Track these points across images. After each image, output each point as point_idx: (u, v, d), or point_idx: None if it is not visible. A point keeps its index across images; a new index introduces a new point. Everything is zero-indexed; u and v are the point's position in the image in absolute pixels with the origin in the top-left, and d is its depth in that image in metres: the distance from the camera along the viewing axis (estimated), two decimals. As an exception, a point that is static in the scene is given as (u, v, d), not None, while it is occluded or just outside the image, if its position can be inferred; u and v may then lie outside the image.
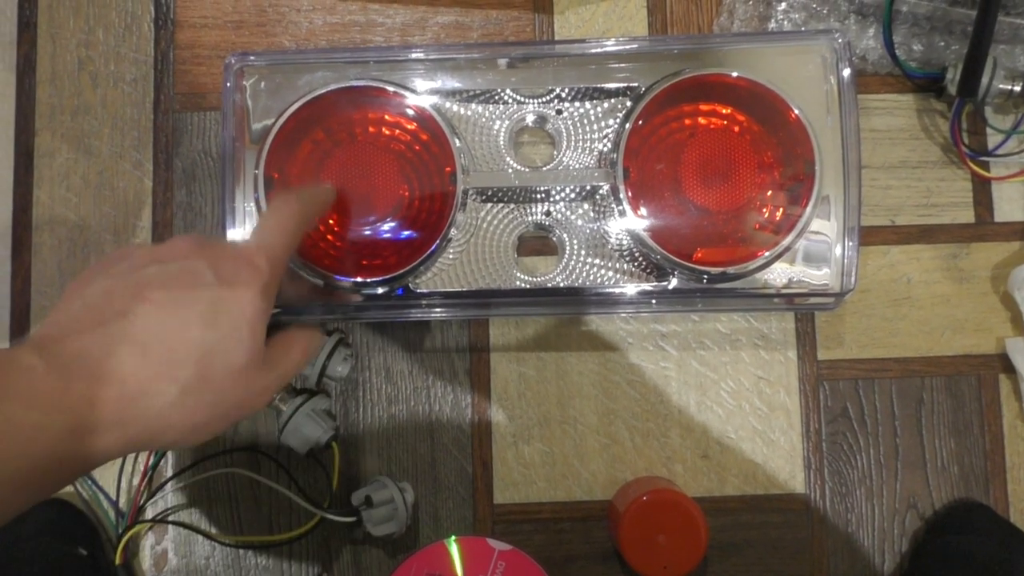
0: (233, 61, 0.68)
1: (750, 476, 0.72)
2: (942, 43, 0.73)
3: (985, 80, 0.70)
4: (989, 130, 0.74)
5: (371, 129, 0.69)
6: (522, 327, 0.73)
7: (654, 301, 0.68)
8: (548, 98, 0.69)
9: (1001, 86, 0.70)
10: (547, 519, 0.72)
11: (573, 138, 0.69)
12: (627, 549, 0.66)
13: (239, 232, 0.67)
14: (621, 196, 0.66)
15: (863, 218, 0.73)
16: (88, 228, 0.74)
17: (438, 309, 0.69)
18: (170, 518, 0.71)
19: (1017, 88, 0.70)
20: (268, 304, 0.52)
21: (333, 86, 0.67)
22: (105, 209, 0.74)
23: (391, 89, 0.68)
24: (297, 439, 0.68)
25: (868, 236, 0.74)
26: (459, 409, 0.73)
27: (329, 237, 0.68)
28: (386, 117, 0.69)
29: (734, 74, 0.67)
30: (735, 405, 0.73)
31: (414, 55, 0.69)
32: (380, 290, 0.68)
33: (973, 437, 0.73)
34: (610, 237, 0.68)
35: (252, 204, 0.66)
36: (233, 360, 0.49)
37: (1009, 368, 0.73)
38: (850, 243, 0.66)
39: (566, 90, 0.69)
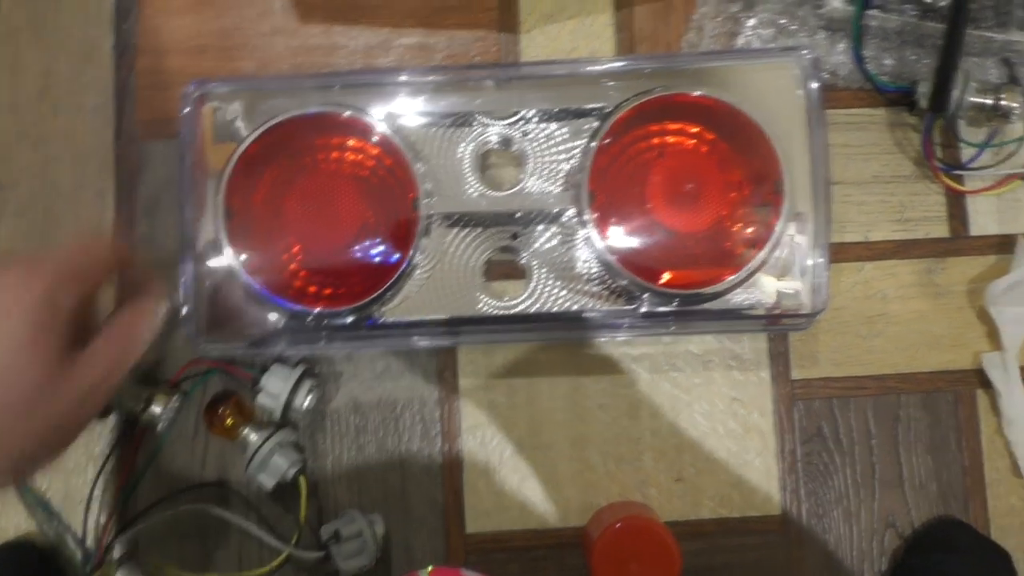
0: (192, 88, 0.67)
1: (726, 499, 0.71)
2: (913, 57, 0.72)
3: (956, 94, 0.69)
4: (962, 143, 0.73)
5: (333, 155, 0.68)
6: (491, 354, 0.72)
7: (625, 325, 0.67)
8: (514, 119, 0.68)
9: (973, 99, 0.69)
10: (521, 547, 0.71)
11: (540, 160, 0.68)
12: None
13: (199, 261, 0.66)
14: (587, 219, 0.65)
15: (837, 234, 0.73)
16: (51, 260, 0.73)
17: (405, 338, 0.68)
18: (139, 556, 0.70)
19: (989, 101, 0.69)
20: (40, 299, 0.48)
21: (293, 113, 0.66)
22: (68, 240, 0.73)
23: (352, 115, 0.66)
24: (264, 473, 0.67)
25: (842, 252, 0.73)
26: (429, 438, 0.72)
27: (292, 267, 0.67)
28: (349, 143, 0.68)
29: (697, 93, 0.66)
30: (709, 427, 0.72)
31: (377, 79, 0.68)
32: (346, 320, 0.66)
33: (951, 454, 0.72)
34: (577, 261, 0.67)
35: (213, 238, 0.65)
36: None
37: (986, 383, 0.72)
38: (821, 261, 0.65)
39: (532, 111, 0.68)
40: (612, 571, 0.65)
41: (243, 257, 0.65)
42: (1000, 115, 0.69)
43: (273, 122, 0.66)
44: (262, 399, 0.69)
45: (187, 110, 0.66)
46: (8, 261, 0.50)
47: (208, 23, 0.75)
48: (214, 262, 0.66)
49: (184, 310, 0.65)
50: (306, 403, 0.68)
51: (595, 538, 0.65)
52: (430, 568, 0.62)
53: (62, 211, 0.73)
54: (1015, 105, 0.69)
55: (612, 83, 0.67)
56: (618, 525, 0.65)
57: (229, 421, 0.69)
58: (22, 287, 0.48)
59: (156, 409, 0.68)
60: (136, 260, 0.57)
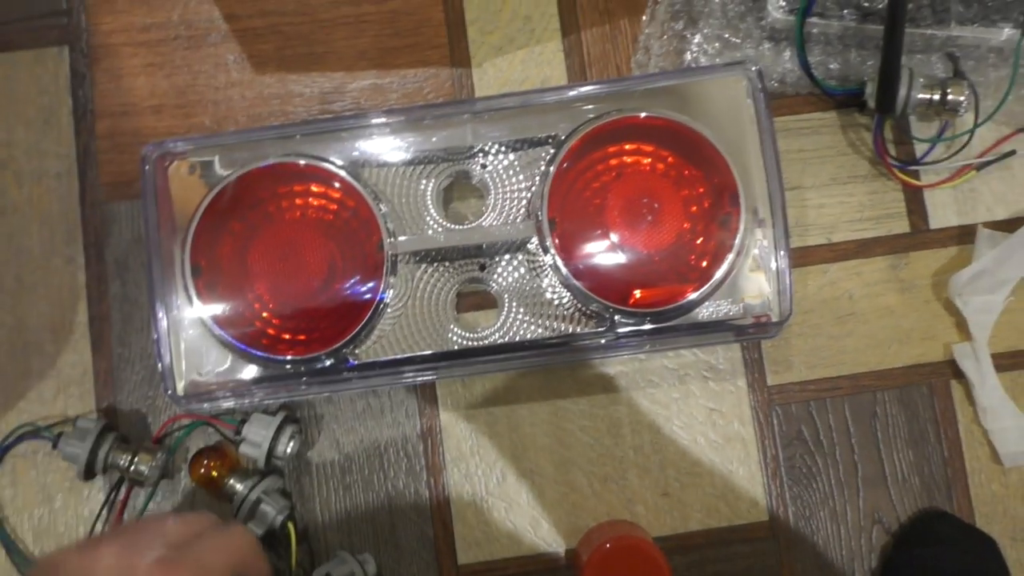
0: (150, 150, 0.67)
1: (712, 509, 0.72)
2: (858, 59, 0.73)
3: (904, 92, 0.70)
4: (914, 140, 0.74)
5: (297, 203, 0.69)
6: (470, 385, 0.73)
7: (599, 347, 0.68)
8: (472, 153, 0.69)
9: (921, 96, 0.70)
10: (514, 575, 0.71)
11: (501, 190, 0.69)
12: None
13: (170, 319, 0.66)
14: (549, 246, 0.66)
15: (799, 238, 0.74)
16: (26, 328, 0.74)
17: (382, 376, 0.68)
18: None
19: (936, 96, 0.70)
20: None
21: (252, 166, 0.67)
22: (41, 307, 0.74)
23: (310, 163, 0.67)
24: (252, 522, 0.68)
25: (806, 256, 0.74)
26: (414, 473, 0.72)
27: (265, 315, 0.68)
28: (311, 189, 0.69)
29: (645, 115, 0.67)
30: (690, 440, 0.72)
31: (335, 125, 0.69)
32: (323, 363, 0.67)
33: (931, 446, 0.73)
34: (546, 288, 0.68)
35: (183, 295, 0.66)
36: None
37: (959, 374, 0.73)
38: (784, 268, 0.66)
39: (490, 144, 0.69)
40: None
41: (215, 312, 0.66)
42: (949, 109, 0.70)
43: (234, 176, 0.67)
44: (245, 448, 0.69)
45: (147, 170, 0.67)
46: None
47: (161, 82, 0.75)
48: (185, 318, 0.66)
49: (159, 368, 0.66)
50: (289, 449, 0.69)
51: (585, 560, 0.66)
52: None
53: (33, 279, 0.74)
54: (961, 98, 0.70)
55: (565, 110, 0.68)
56: (607, 545, 0.65)
57: (214, 473, 0.69)
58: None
59: (142, 468, 0.69)
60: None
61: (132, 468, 0.69)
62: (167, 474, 0.71)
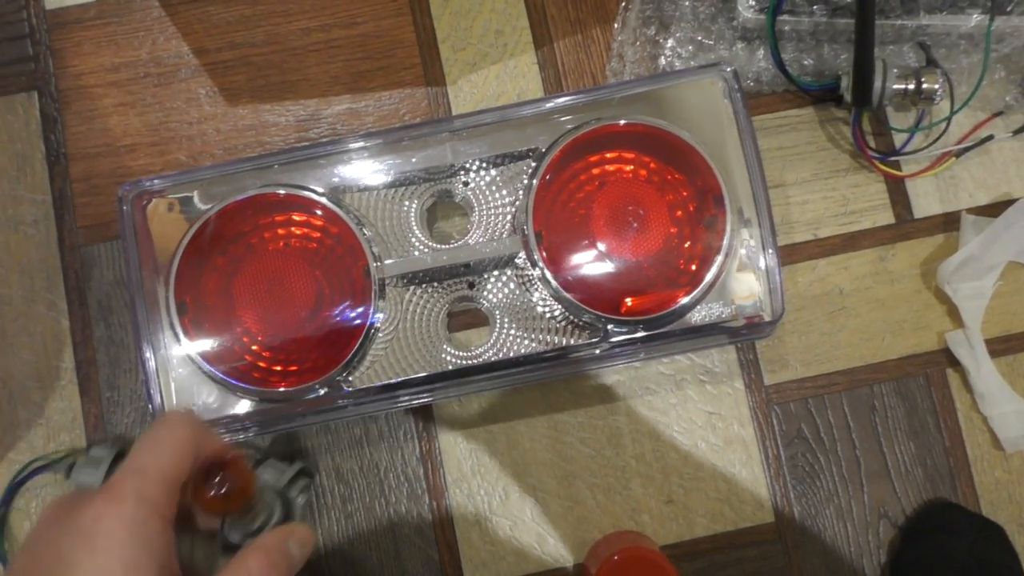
0: (126, 190, 0.67)
1: (717, 514, 0.71)
2: (831, 53, 0.73)
3: (878, 83, 0.70)
4: (892, 130, 0.75)
5: (280, 233, 0.68)
6: (467, 403, 0.72)
7: (594, 358, 0.68)
8: (453, 171, 0.69)
9: (896, 86, 0.70)
10: (522, 594, 0.70)
11: (485, 207, 0.68)
12: None
13: (158, 358, 0.65)
14: (537, 260, 0.66)
15: (785, 236, 0.73)
16: (11, 378, 0.72)
17: (378, 402, 0.68)
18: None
19: (911, 86, 0.70)
20: (144, 539, 0.42)
21: (231, 199, 0.66)
22: (25, 356, 0.73)
23: (289, 192, 0.67)
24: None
25: (793, 253, 0.74)
26: (416, 496, 0.71)
27: (255, 348, 0.67)
28: (293, 219, 0.68)
29: (624, 122, 0.66)
30: (691, 445, 0.72)
31: (313, 152, 0.68)
32: (317, 392, 0.66)
33: (931, 436, 0.72)
34: (537, 302, 0.67)
35: (169, 333, 0.65)
36: None
37: (954, 362, 0.72)
38: (773, 267, 0.66)
39: (471, 161, 0.68)
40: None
41: (203, 348, 0.65)
42: (924, 98, 0.71)
43: (212, 211, 0.66)
44: None
45: (125, 211, 0.66)
46: (91, 494, 0.43)
47: (134, 121, 0.75)
48: (173, 357, 0.65)
49: (150, 409, 0.65)
50: (298, 500, 0.67)
51: (594, 573, 0.65)
52: None
53: (15, 328, 0.73)
54: (936, 87, 0.70)
55: (544, 123, 0.68)
56: (615, 558, 0.65)
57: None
58: (109, 517, 0.42)
59: None
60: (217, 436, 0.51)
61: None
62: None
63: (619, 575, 0.65)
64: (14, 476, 0.70)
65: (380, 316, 0.67)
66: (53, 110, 0.75)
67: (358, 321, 0.66)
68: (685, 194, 0.67)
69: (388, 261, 0.67)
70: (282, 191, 0.66)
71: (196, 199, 0.67)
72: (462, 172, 0.69)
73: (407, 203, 0.68)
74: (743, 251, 0.66)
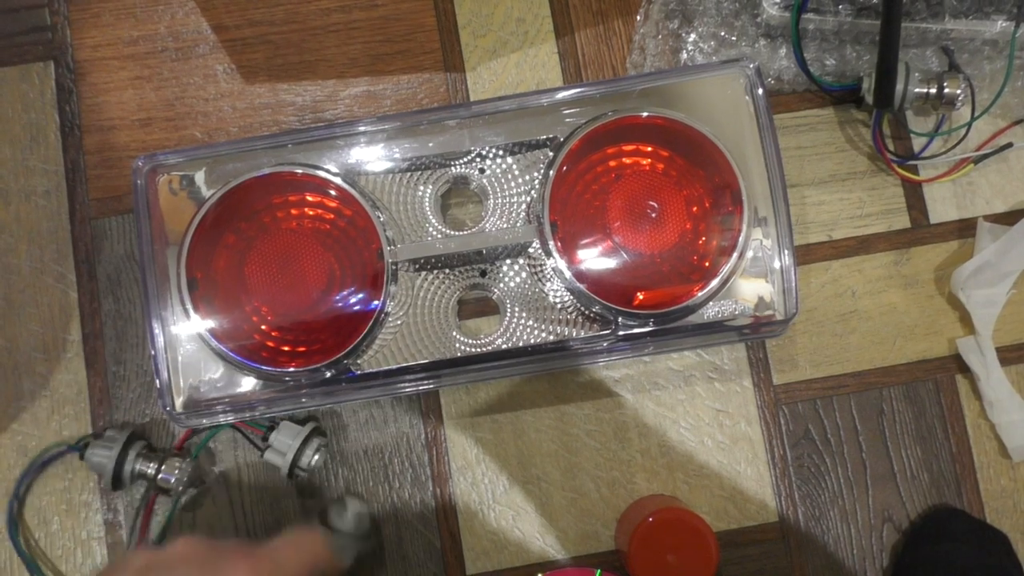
0: (141, 163, 0.66)
1: (721, 512, 0.71)
2: (854, 54, 0.73)
3: (900, 87, 0.69)
4: (912, 134, 0.74)
5: (292, 213, 0.68)
6: (473, 392, 0.72)
7: (603, 350, 0.67)
8: (470, 158, 0.68)
9: (917, 90, 0.70)
10: (522, 584, 0.70)
11: (500, 195, 0.68)
12: (638, 571, 0.64)
13: (167, 334, 0.65)
14: (551, 249, 0.65)
15: (800, 236, 0.73)
16: (17, 349, 0.72)
17: (385, 386, 0.67)
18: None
19: (933, 90, 0.70)
20: None
21: (245, 176, 0.66)
22: (32, 327, 0.72)
23: (306, 172, 0.66)
24: None
25: (808, 254, 0.73)
26: (420, 483, 0.71)
27: (264, 328, 0.67)
28: (306, 199, 0.68)
29: (646, 114, 0.66)
30: (697, 441, 0.72)
31: (328, 133, 0.68)
32: (324, 375, 0.66)
33: (938, 442, 0.72)
34: (548, 292, 0.67)
35: (179, 309, 0.65)
36: None
37: (964, 369, 0.72)
38: (788, 266, 0.66)
39: (487, 148, 0.68)
40: (650, 566, 0.64)
41: (212, 325, 0.65)
42: (945, 103, 0.70)
43: (227, 188, 0.66)
44: (270, 455, 0.68)
45: (138, 184, 0.66)
46: (225, 549, 0.53)
47: (149, 95, 0.74)
48: (182, 333, 0.65)
49: (157, 384, 0.65)
50: (313, 461, 0.67)
51: (631, 533, 0.65)
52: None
53: (23, 298, 0.72)
54: (958, 91, 0.70)
55: (562, 112, 0.67)
56: (650, 519, 0.64)
57: None
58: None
59: (168, 476, 0.67)
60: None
61: (159, 476, 0.68)
62: (194, 482, 0.70)
63: (655, 537, 0.64)
64: (31, 462, 0.70)
65: (391, 301, 0.66)
66: (69, 81, 0.75)
67: (369, 305, 0.66)
68: (702, 189, 0.67)
69: (401, 245, 0.67)
70: (299, 170, 0.66)
71: (210, 175, 0.67)
72: (478, 159, 0.68)
73: (422, 188, 0.68)
74: (758, 250, 0.66)
